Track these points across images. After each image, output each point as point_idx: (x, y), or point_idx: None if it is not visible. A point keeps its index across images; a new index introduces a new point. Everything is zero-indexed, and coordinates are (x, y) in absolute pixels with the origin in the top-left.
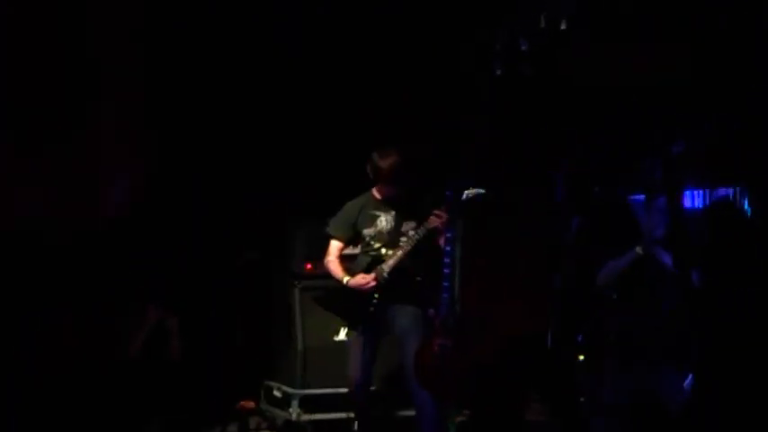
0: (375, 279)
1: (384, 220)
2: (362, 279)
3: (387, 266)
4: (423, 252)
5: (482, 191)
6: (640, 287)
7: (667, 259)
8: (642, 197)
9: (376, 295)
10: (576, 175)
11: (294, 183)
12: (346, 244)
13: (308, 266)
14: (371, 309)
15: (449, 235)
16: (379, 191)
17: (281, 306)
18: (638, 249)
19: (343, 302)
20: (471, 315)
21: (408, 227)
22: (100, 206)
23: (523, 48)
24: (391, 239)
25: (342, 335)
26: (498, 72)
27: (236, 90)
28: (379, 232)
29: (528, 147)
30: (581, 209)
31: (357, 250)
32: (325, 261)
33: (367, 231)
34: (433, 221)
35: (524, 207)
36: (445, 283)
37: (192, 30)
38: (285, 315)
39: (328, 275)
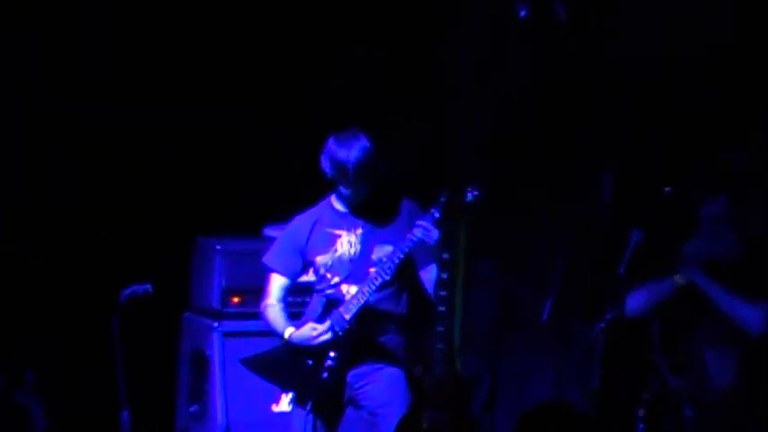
0: (331, 330)
1: (347, 243)
2: (311, 330)
3: (348, 310)
4: (402, 286)
5: (476, 192)
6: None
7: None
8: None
9: (332, 354)
10: (632, 168)
11: (210, 182)
12: (293, 280)
13: (235, 300)
14: (325, 374)
15: (444, 257)
16: (339, 198)
17: (192, 361)
18: (678, 278)
19: (284, 365)
20: (477, 374)
21: (382, 251)
22: None
23: None
24: (356, 270)
25: (283, 404)
26: (523, 13)
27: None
28: (339, 260)
29: (557, 130)
30: (641, 217)
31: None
32: (262, 306)
33: (321, 259)
34: (419, 233)
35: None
36: (439, 328)
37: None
38: (197, 374)
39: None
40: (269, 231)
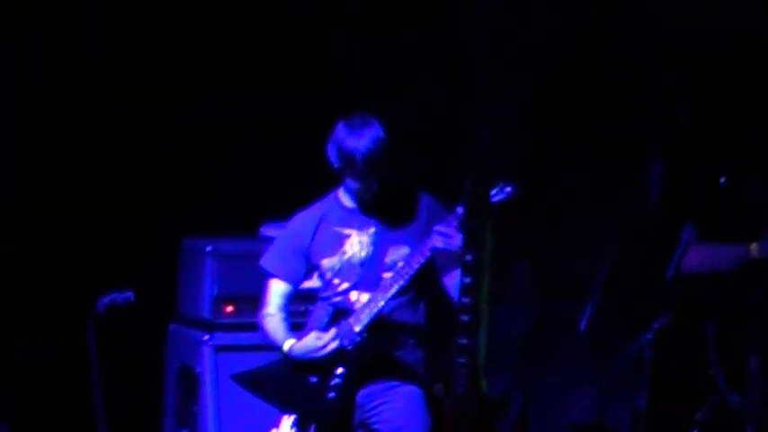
0: (338, 341)
1: (357, 243)
2: (315, 341)
3: (358, 321)
4: (421, 293)
5: (509, 188)
6: None
7: None
8: None
9: (339, 370)
10: (684, 156)
11: (200, 177)
12: (295, 286)
13: (228, 309)
14: (332, 394)
15: (468, 260)
16: (348, 192)
17: (180, 379)
18: (754, 247)
19: (285, 383)
20: (506, 394)
21: (397, 254)
22: None
23: None
24: (367, 276)
25: (284, 428)
26: None
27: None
28: (348, 263)
29: (597, 115)
30: (694, 211)
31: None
32: (260, 315)
33: (328, 263)
34: (438, 242)
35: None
36: (462, 341)
37: None
38: (185, 394)
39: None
40: (266, 231)
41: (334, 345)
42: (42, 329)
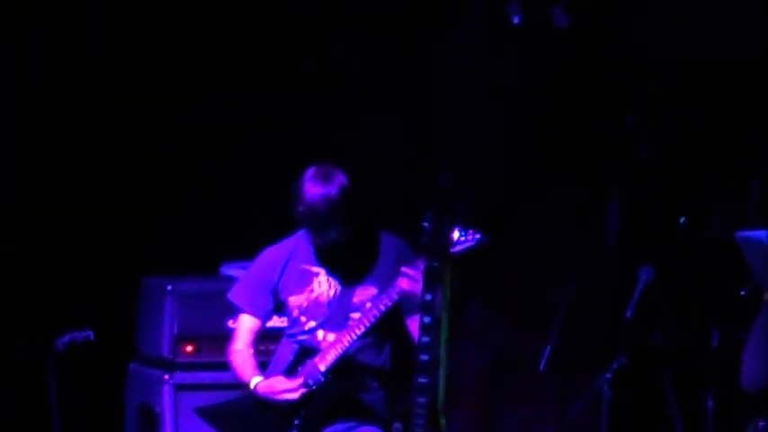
0: (304, 385)
1: (325, 282)
2: (280, 384)
3: (324, 361)
4: (385, 335)
5: (478, 236)
6: None
7: None
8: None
9: (302, 411)
10: (642, 196)
11: (159, 216)
12: (263, 321)
13: (189, 349)
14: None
15: (428, 299)
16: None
17: (139, 418)
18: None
19: (247, 419)
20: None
21: (365, 294)
22: None
23: None
24: (334, 315)
25: None
26: (516, 19)
27: None
28: (316, 302)
29: (562, 149)
30: (652, 253)
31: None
32: (228, 351)
33: (295, 300)
34: (404, 285)
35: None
36: (421, 379)
37: None
38: None
39: (224, 363)
40: (227, 270)
41: (295, 395)
42: (1, 366)
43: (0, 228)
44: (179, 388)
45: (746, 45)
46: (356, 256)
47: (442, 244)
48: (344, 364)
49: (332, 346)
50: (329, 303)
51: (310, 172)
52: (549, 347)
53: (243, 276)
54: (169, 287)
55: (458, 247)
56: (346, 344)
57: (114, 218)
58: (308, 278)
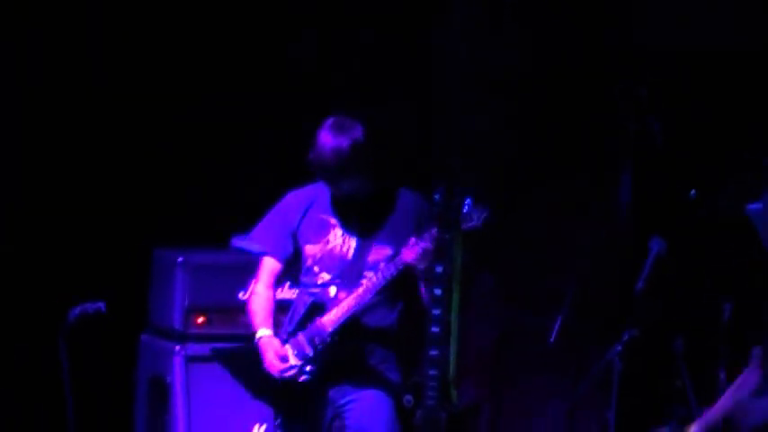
0: (297, 369)
1: (340, 236)
2: (277, 360)
3: (330, 322)
4: (397, 297)
5: (484, 210)
6: None
7: None
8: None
9: (308, 368)
10: (653, 168)
11: (171, 188)
12: (284, 265)
13: (200, 320)
14: (302, 387)
15: (438, 271)
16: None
17: (151, 390)
18: None
19: (257, 370)
20: (476, 406)
21: (380, 253)
22: None
23: None
24: (347, 272)
25: None
26: None
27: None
28: (330, 254)
29: (567, 127)
30: (663, 225)
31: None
32: (250, 292)
33: (311, 249)
34: (407, 257)
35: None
36: (432, 352)
37: None
38: (157, 405)
39: (235, 335)
40: (238, 243)
41: (290, 373)
42: (13, 339)
43: (14, 205)
44: (190, 359)
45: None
46: (373, 213)
47: (452, 216)
48: (352, 325)
49: (341, 305)
50: (342, 259)
51: (328, 121)
52: (559, 320)
53: (264, 219)
54: (180, 259)
55: (465, 225)
56: (354, 305)
57: (126, 191)
58: (325, 228)
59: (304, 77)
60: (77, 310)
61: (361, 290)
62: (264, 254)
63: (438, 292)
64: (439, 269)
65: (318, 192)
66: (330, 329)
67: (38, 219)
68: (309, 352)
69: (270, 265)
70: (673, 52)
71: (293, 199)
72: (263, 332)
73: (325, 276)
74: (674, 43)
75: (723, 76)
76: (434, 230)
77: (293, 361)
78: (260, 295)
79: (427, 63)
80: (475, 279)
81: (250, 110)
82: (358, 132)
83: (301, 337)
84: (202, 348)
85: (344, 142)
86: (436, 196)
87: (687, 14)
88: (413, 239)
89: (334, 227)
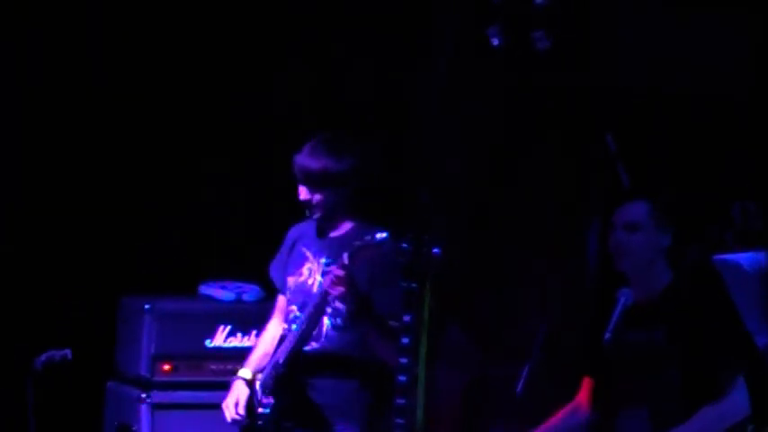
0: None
1: (307, 270)
2: (231, 404)
3: (281, 351)
4: (359, 329)
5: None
6: None
7: None
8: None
9: (264, 401)
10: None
11: (139, 234)
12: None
13: (166, 368)
14: (260, 422)
15: (406, 320)
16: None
17: None
18: None
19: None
20: None
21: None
22: None
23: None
24: (308, 304)
25: None
26: (496, 42)
27: None
28: (300, 286)
29: (538, 174)
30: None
31: None
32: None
33: (290, 282)
34: (325, 282)
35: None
36: (399, 401)
37: None
38: None
39: (202, 382)
40: (205, 290)
41: (237, 419)
42: None
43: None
44: (157, 407)
45: (728, 83)
46: (341, 248)
47: (422, 264)
48: (298, 358)
49: (289, 337)
50: (308, 292)
51: (317, 138)
52: (527, 370)
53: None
54: (147, 306)
55: (358, 243)
56: (297, 335)
57: (93, 237)
58: (302, 261)
59: (275, 119)
60: (44, 357)
61: (303, 318)
62: (276, 284)
63: (406, 341)
64: (407, 318)
65: (307, 226)
66: (281, 359)
67: (4, 264)
68: (269, 383)
69: (280, 302)
70: (656, 94)
71: (289, 233)
72: (242, 372)
73: (293, 308)
74: (657, 85)
75: (703, 120)
76: (345, 256)
77: (243, 411)
78: (265, 332)
79: (404, 103)
80: (445, 327)
81: (221, 155)
82: (330, 162)
83: (267, 370)
84: (169, 396)
85: (313, 164)
86: (404, 245)
87: (671, 57)
88: (333, 267)
89: (307, 260)
